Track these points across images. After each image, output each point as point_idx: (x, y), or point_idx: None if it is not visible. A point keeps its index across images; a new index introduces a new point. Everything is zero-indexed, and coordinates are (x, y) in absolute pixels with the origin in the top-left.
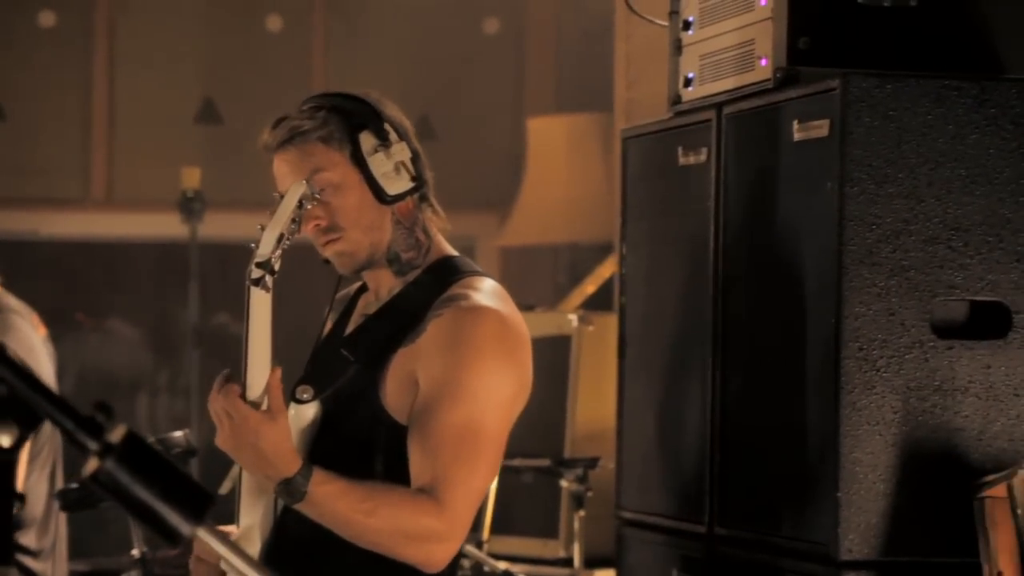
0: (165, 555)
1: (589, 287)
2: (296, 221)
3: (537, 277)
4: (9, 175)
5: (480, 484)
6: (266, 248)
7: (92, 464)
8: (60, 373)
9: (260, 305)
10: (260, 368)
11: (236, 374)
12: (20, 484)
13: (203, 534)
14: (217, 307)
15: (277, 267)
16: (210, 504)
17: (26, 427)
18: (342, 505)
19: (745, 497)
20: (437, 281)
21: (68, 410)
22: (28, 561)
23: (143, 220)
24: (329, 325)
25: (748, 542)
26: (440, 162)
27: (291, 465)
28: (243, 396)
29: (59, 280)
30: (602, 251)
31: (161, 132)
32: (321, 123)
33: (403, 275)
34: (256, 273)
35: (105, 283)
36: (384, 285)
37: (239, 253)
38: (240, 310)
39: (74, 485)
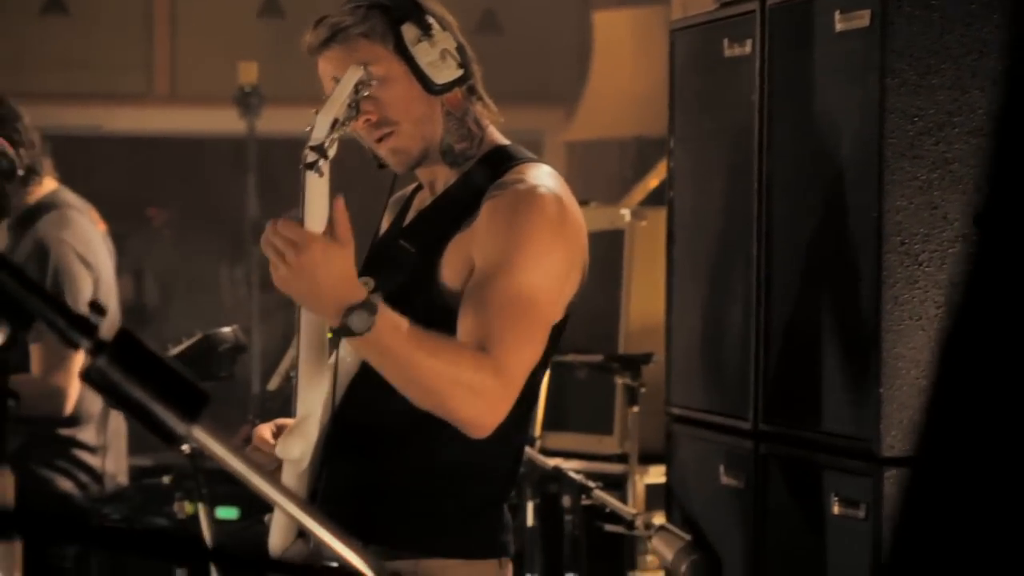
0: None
1: (652, 181)
2: (352, 107)
3: (603, 171)
4: (72, 70)
5: (530, 354)
6: (320, 132)
7: (84, 362)
8: (133, 269)
9: (315, 190)
10: None
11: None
12: (77, 382)
13: (198, 434)
14: (277, 202)
15: (332, 152)
16: (205, 403)
17: (19, 325)
18: (404, 339)
19: (789, 394)
20: (491, 169)
21: (61, 308)
22: (85, 456)
23: (204, 115)
24: (385, 225)
25: (791, 438)
26: (506, 57)
27: (358, 292)
28: None
29: (122, 175)
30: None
31: (223, 26)
32: (362, 18)
33: (457, 167)
34: (310, 157)
35: (168, 178)
36: (439, 179)
37: (298, 148)
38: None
39: None
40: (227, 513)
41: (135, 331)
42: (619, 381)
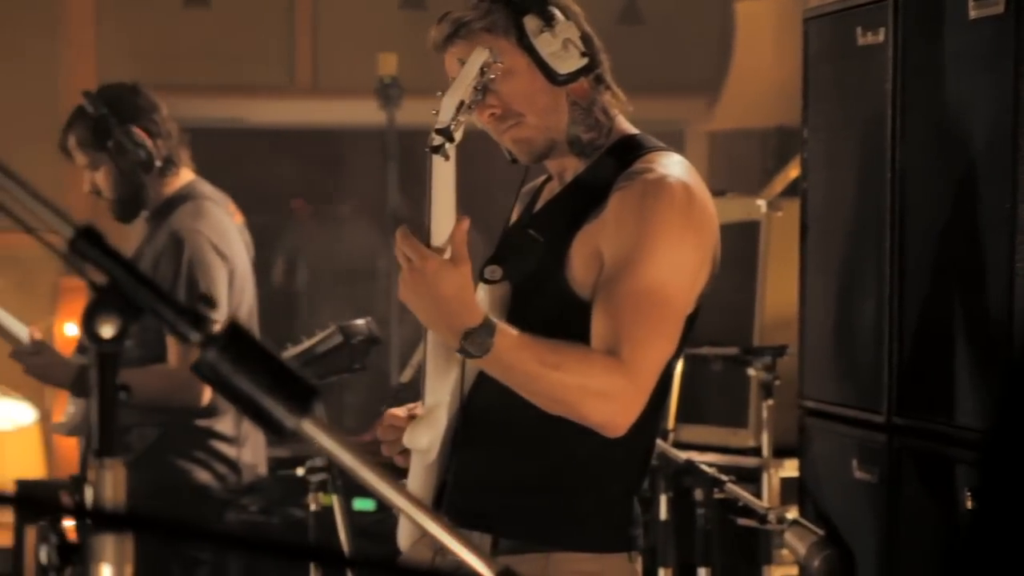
0: (360, 440)
1: (793, 171)
2: (479, 89)
3: (745, 161)
4: (214, 62)
5: (662, 351)
6: (445, 115)
7: (194, 355)
8: (277, 261)
9: (441, 173)
10: (444, 234)
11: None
12: None
13: (308, 428)
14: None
15: (457, 136)
16: (315, 397)
17: (128, 318)
18: (527, 356)
19: (922, 386)
20: (620, 158)
21: (170, 301)
22: (223, 447)
23: (345, 107)
24: (516, 216)
25: (925, 432)
26: (648, 47)
27: (474, 315)
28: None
29: (266, 167)
30: None
31: (364, 18)
32: (485, 12)
33: (585, 157)
34: (436, 140)
35: (311, 170)
36: (568, 169)
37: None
38: None
39: None
40: (364, 505)
41: (280, 323)
42: (754, 374)
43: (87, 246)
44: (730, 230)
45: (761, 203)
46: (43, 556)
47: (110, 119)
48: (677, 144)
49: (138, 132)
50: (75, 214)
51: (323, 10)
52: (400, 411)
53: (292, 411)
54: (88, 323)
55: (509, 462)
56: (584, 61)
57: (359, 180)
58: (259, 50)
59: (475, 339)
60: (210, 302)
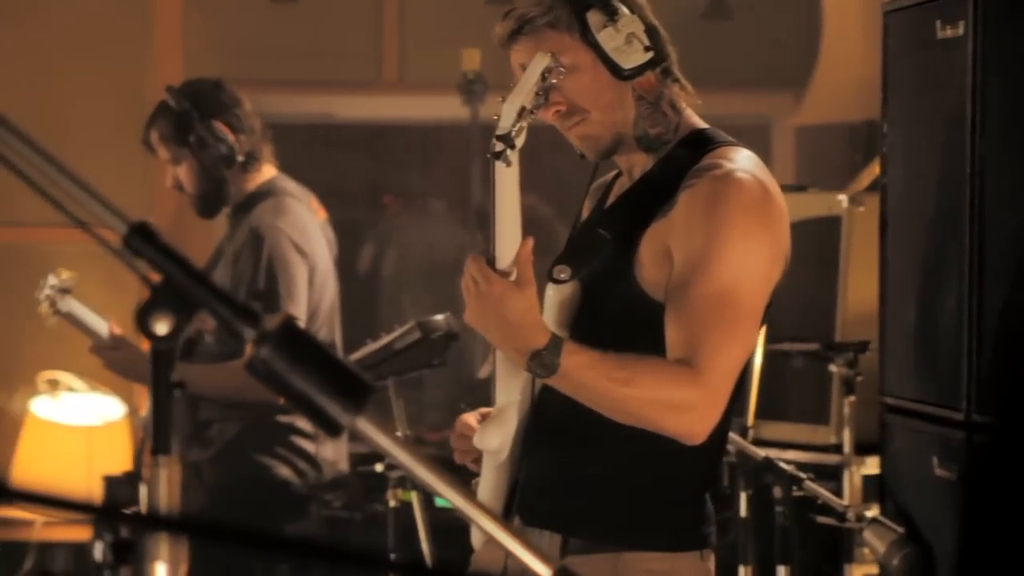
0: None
1: (878, 166)
2: (540, 94)
3: (832, 156)
4: (302, 58)
5: (738, 354)
6: (506, 121)
7: (248, 352)
8: (367, 256)
9: (504, 179)
10: (509, 243)
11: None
12: None
13: (362, 425)
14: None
15: (519, 141)
16: (370, 395)
17: (183, 315)
18: (596, 375)
19: (1002, 383)
20: (689, 153)
21: (224, 298)
22: (303, 443)
23: (431, 102)
24: (586, 213)
25: (1004, 429)
26: (734, 42)
27: (540, 336)
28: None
29: (356, 163)
30: None
31: (450, 13)
32: (547, 8)
33: (654, 152)
34: (497, 147)
35: (400, 166)
36: (636, 165)
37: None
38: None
39: None
40: (446, 501)
41: (367, 318)
42: (835, 370)
43: (141, 243)
44: (811, 226)
45: (842, 198)
46: (97, 553)
47: (192, 114)
48: (764, 139)
49: (220, 127)
50: (164, 209)
51: (410, 5)
52: (472, 417)
53: (346, 408)
54: (142, 321)
55: (579, 462)
56: (649, 55)
57: (445, 176)
58: (346, 45)
59: (542, 360)
60: (266, 298)
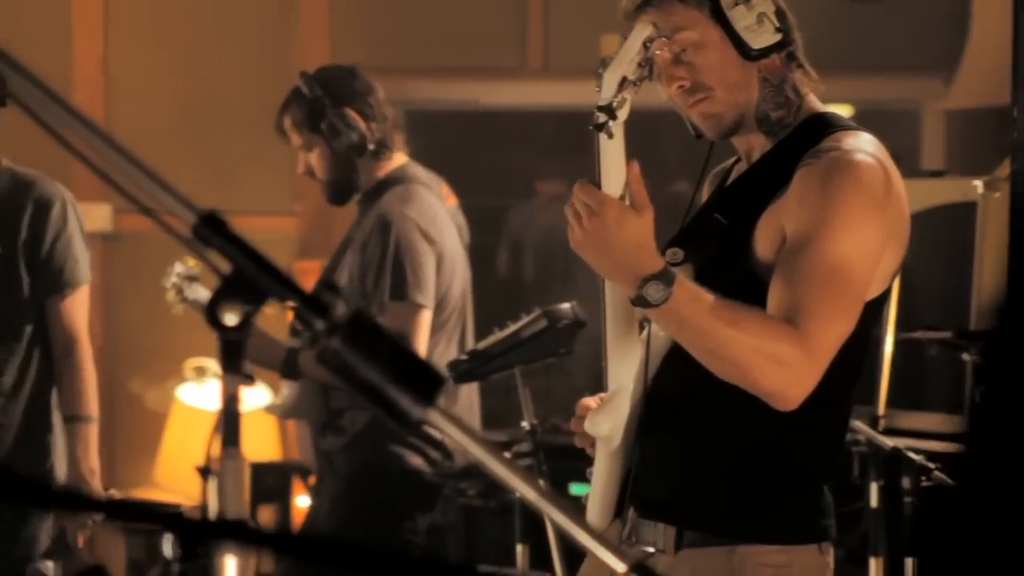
0: (557, 424)
1: None
2: (643, 65)
3: (981, 140)
4: (447, 45)
5: (842, 329)
6: (607, 92)
7: (320, 343)
8: (513, 243)
9: (609, 152)
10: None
11: None
12: (426, 355)
13: (434, 416)
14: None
15: (621, 113)
16: (442, 385)
17: (252, 305)
18: (703, 310)
19: None
20: (808, 137)
21: (294, 288)
22: (435, 431)
23: (574, 88)
24: (704, 197)
25: None
26: (883, 25)
27: (654, 261)
28: None
29: (504, 149)
30: None
31: None
32: None
33: (774, 135)
34: (599, 118)
35: (548, 152)
36: (755, 148)
37: (658, 120)
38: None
39: (464, 357)
40: (581, 490)
41: (511, 305)
42: (969, 359)
43: (210, 232)
44: (947, 211)
45: (978, 184)
46: (166, 548)
47: (325, 101)
48: (913, 123)
49: (352, 115)
50: (311, 195)
51: None
52: (592, 400)
53: (418, 400)
54: (211, 311)
55: (693, 452)
56: (778, 37)
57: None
58: (492, 32)
59: (654, 286)
60: (335, 289)
